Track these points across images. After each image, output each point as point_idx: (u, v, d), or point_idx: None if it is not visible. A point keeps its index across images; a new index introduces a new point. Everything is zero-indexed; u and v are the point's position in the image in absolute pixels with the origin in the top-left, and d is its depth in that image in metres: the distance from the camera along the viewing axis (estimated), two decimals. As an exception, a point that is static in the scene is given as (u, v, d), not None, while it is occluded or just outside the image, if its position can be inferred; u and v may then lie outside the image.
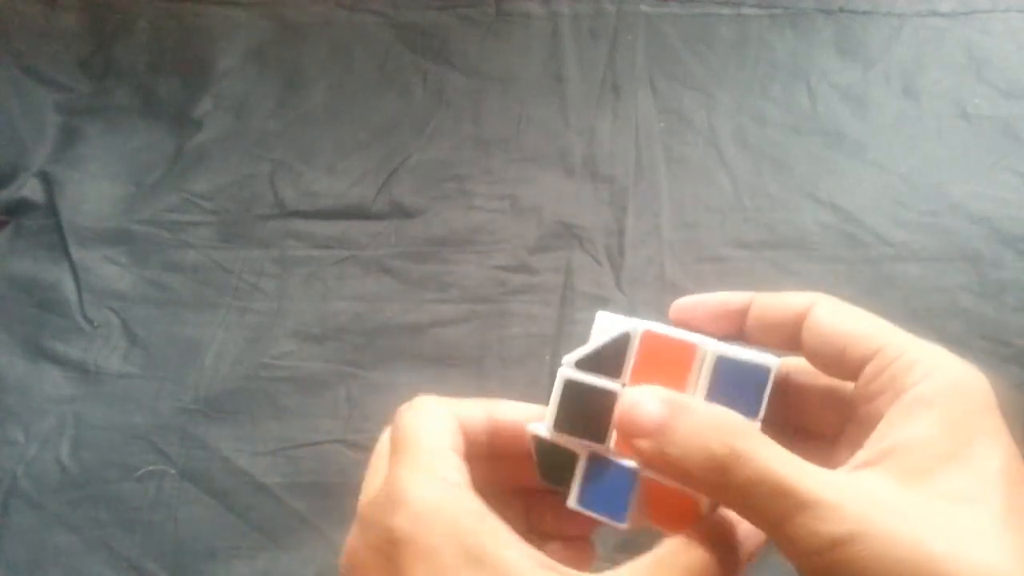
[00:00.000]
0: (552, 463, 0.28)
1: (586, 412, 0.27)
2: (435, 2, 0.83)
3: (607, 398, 0.26)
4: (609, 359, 0.27)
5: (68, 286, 0.67)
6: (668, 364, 0.26)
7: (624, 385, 0.27)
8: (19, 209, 0.71)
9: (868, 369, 0.26)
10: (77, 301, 0.66)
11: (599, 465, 0.27)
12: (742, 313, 0.29)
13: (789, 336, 0.28)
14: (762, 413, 0.26)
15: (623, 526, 0.27)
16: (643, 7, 0.81)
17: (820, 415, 0.29)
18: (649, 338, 0.27)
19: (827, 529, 0.21)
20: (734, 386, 0.26)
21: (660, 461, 0.24)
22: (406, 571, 0.23)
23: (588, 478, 0.27)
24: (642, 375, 0.26)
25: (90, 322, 0.65)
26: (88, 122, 0.77)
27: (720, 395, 0.26)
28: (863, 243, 0.66)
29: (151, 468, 0.60)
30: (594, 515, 0.27)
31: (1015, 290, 0.63)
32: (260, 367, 0.64)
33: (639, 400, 0.25)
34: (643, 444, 0.24)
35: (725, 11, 0.81)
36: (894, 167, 0.70)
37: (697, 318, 0.29)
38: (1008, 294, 0.63)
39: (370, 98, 0.78)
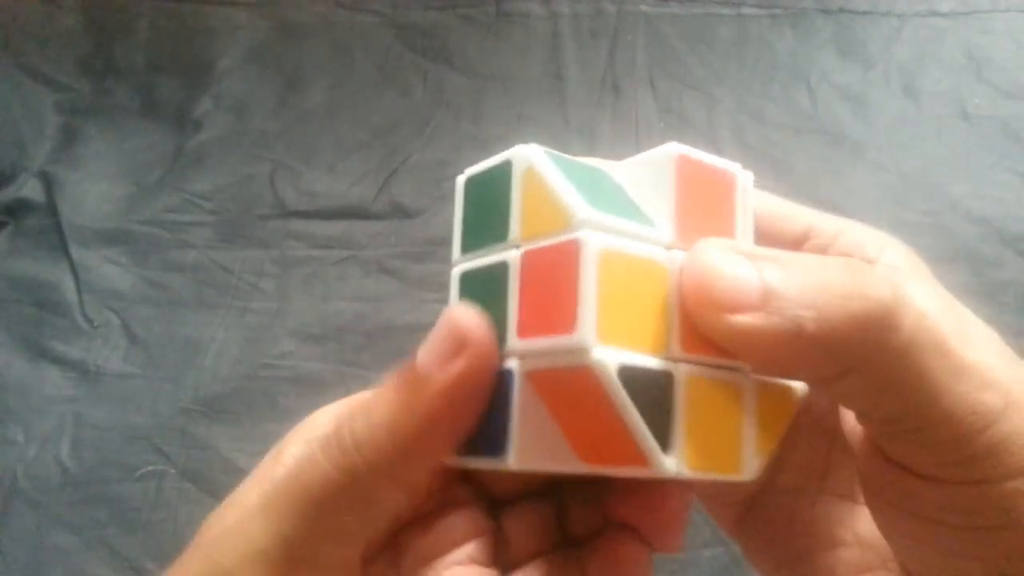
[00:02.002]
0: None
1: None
2: (435, 2, 0.82)
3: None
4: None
5: (68, 286, 0.67)
6: (706, 204, 0.19)
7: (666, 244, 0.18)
8: (19, 209, 0.71)
9: (808, 249, 0.22)
10: (77, 301, 0.66)
11: None
12: None
13: None
14: None
15: (510, 465, 0.18)
16: (643, 7, 0.81)
17: None
18: (684, 164, 0.18)
19: (992, 400, 0.17)
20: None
21: (787, 340, 0.16)
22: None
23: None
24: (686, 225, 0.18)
25: (90, 322, 0.65)
26: (88, 122, 0.77)
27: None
28: (863, 243, 0.66)
29: (151, 468, 0.60)
30: (472, 464, 0.20)
31: (1015, 290, 0.63)
32: (260, 367, 0.64)
33: (714, 257, 0.17)
34: (747, 320, 0.16)
35: (725, 11, 0.81)
36: (894, 167, 0.70)
37: None
38: (1008, 294, 0.63)
39: (370, 98, 0.78)
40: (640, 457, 0.17)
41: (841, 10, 0.80)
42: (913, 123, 0.73)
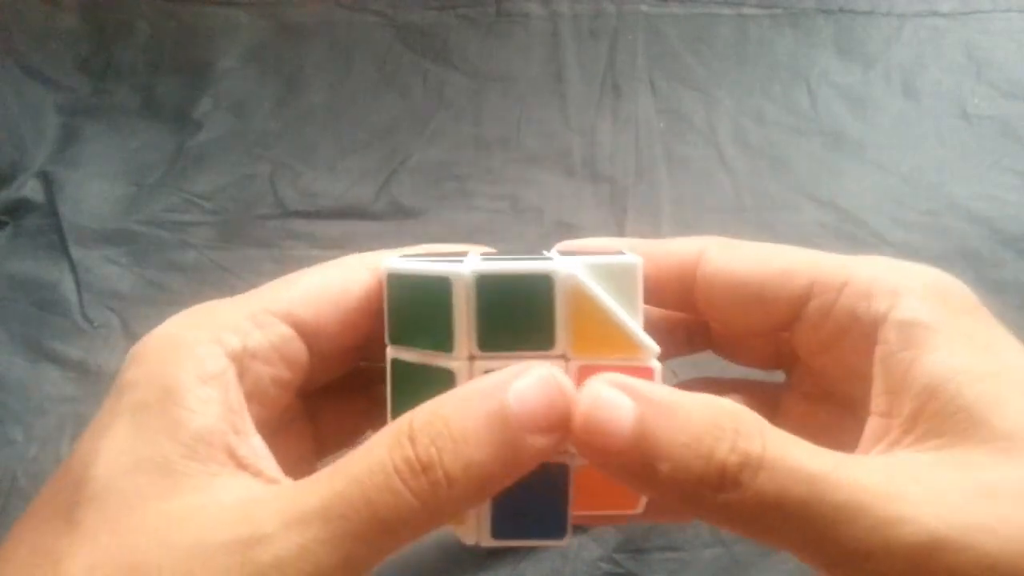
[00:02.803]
0: None
1: None
2: (435, 2, 0.82)
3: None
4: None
5: (68, 286, 0.67)
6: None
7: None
8: (19, 209, 0.71)
9: (811, 310, 0.20)
10: (77, 301, 0.66)
11: None
12: None
13: (684, 294, 0.23)
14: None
15: (564, 543, 0.21)
16: (643, 7, 0.81)
17: (746, 350, 0.23)
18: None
19: (900, 537, 0.16)
20: None
21: (646, 483, 0.17)
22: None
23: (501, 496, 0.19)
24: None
25: (90, 322, 0.65)
26: (88, 122, 0.77)
27: None
28: (863, 243, 0.66)
29: (151, 468, 0.60)
30: (521, 544, 0.21)
31: (1015, 290, 0.63)
32: (260, 367, 0.64)
33: (606, 395, 0.18)
34: (616, 461, 0.18)
35: (725, 11, 0.81)
36: (894, 167, 0.70)
37: None
38: (1008, 294, 0.63)
39: (370, 98, 0.78)
40: (630, 503, 0.21)
41: (841, 10, 0.80)
42: (913, 123, 0.73)
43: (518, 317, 0.20)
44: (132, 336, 0.65)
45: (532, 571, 0.50)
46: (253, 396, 0.21)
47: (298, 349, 0.22)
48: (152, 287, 0.67)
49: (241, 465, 0.19)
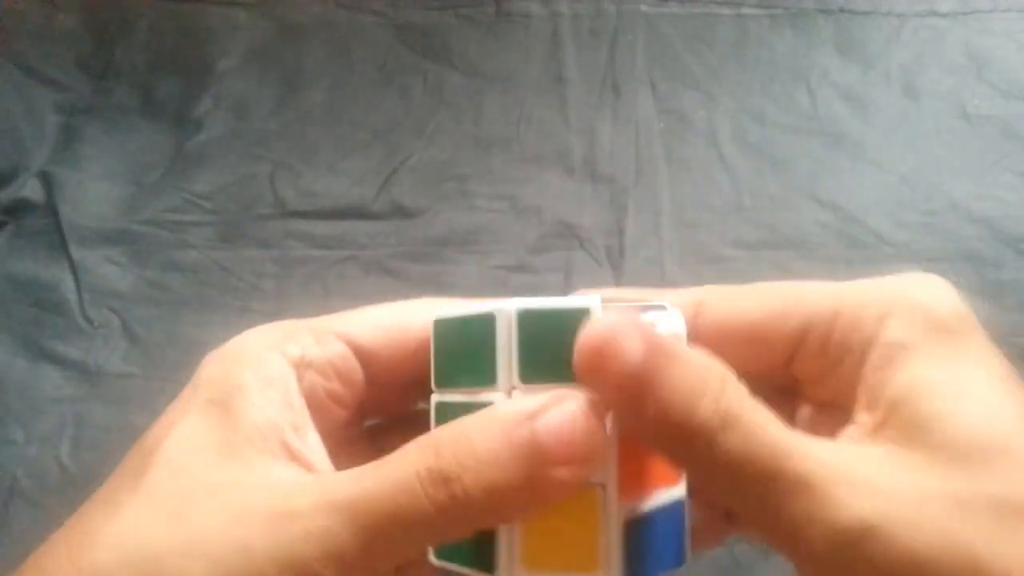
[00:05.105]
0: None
1: None
2: (435, 2, 0.82)
3: None
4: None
5: (68, 286, 0.67)
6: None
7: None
8: (19, 209, 0.71)
9: (808, 346, 0.22)
10: (77, 301, 0.66)
11: (642, 521, 0.21)
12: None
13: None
14: None
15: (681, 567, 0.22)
16: (643, 7, 0.81)
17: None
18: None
19: (835, 518, 0.17)
20: None
21: (634, 417, 0.18)
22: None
23: (635, 538, 0.20)
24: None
25: (90, 322, 0.65)
26: (88, 122, 0.77)
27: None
28: (863, 243, 0.66)
29: (151, 468, 0.60)
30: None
31: (1015, 290, 0.63)
32: (260, 367, 0.63)
33: (619, 331, 0.18)
34: (613, 388, 0.18)
35: (725, 11, 0.81)
36: (894, 167, 0.70)
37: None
38: (1008, 294, 0.63)
39: (370, 98, 0.78)
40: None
41: (841, 10, 0.80)
42: (913, 123, 0.73)
43: (557, 350, 0.20)
44: (132, 336, 0.65)
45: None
46: (309, 403, 0.23)
47: (353, 368, 0.23)
48: (152, 287, 0.67)
49: (293, 457, 0.21)
